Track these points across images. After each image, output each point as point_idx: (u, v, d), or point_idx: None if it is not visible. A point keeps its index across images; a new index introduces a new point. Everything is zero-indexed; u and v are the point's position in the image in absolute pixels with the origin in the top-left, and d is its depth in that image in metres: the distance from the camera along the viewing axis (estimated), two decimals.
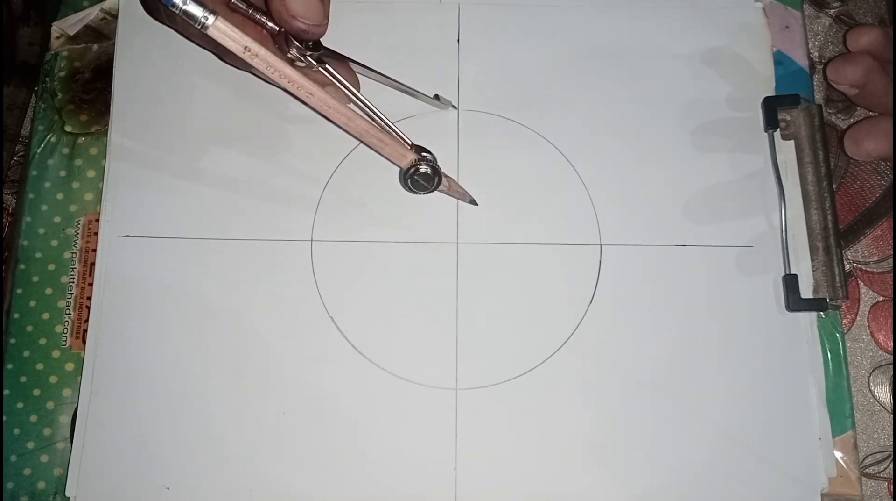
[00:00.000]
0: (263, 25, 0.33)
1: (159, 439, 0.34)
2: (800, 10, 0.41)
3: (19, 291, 0.36)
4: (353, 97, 0.35)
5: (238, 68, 0.37)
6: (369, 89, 0.37)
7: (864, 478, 0.36)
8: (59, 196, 0.38)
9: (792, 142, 0.39)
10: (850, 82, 0.38)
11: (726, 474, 0.35)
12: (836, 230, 0.37)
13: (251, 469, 0.34)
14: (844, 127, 0.40)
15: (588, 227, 0.37)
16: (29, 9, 0.39)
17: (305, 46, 0.33)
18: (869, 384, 0.37)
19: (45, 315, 0.36)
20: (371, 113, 0.35)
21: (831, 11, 0.42)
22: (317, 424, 0.35)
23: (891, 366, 0.37)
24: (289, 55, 0.33)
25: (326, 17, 0.32)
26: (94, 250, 0.37)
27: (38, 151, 0.38)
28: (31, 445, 0.35)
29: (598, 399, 0.35)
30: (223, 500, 0.34)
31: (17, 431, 0.35)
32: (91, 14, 0.40)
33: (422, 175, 0.35)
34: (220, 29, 0.29)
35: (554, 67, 0.40)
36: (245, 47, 0.30)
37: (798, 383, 0.36)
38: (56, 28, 0.40)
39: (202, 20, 0.29)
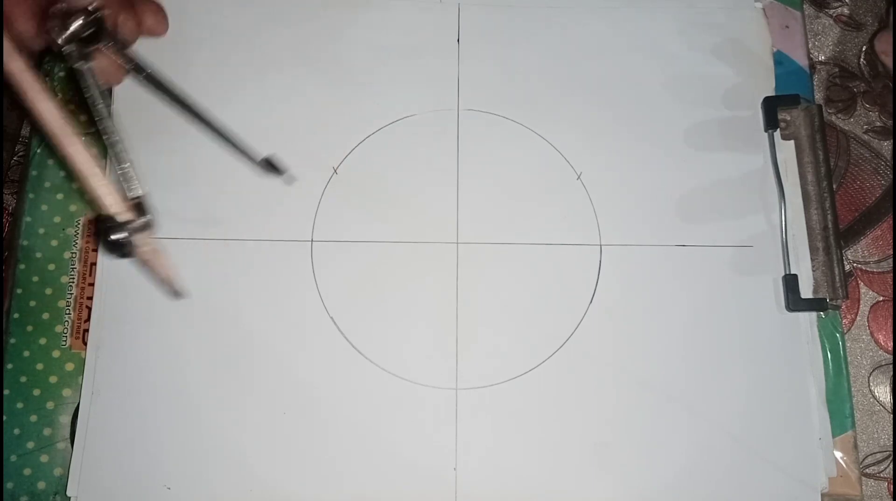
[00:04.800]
0: None
1: (160, 439, 0.34)
2: (800, 10, 0.41)
3: (19, 291, 0.36)
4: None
5: None
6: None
7: (864, 478, 0.36)
8: (59, 196, 0.38)
9: (792, 142, 0.39)
10: None
11: (726, 474, 0.35)
12: (836, 230, 0.37)
13: (251, 469, 0.34)
14: (844, 127, 0.40)
15: (588, 227, 0.37)
16: None
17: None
18: (869, 384, 0.37)
19: (45, 315, 0.36)
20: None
21: (831, 11, 0.42)
22: (317, 424, 0.35)
23: (891, 366, 0.37)
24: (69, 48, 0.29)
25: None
26: (95, 250, 0.37)
27: (38, 151, 0.38)
28: (31, 445, 0.35)
29: (598, 399, 0.35)
30: (223, 500, 0.34)
31: (17, 431, 0.35)
32: None
33: (111, 242, 0.29)
34: None
35: (554, 67, 0.40)
36: None
37: (798, 383, 0.36)
38: None
39: None
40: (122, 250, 0.28)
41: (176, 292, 0.31)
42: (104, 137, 0.29)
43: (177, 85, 0.33)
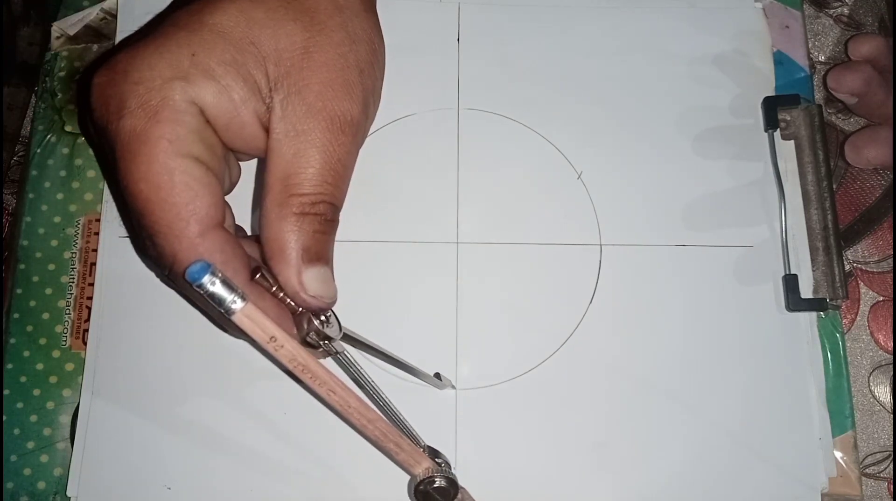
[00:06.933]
0: (283, 300, 0.29)
1: (159, 439, 0.34)
2: (800, 10, 0.41)
3: (19, 291, 0.36)
4: (369, 390, 0.31)
5: (237, 337, 0.34)
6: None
7: (864, 478, 0.36)
8: (59, 196, 0.38)
9: (792, 142, 0.39)
10: (850, 91, 0.38)
11: (726, 474, 0.35)
12: (836, 230, 0.37)
13: (252, 469, 0.34)
14: (844, 127, 0.40)
15: (588, 227, 0.37)
16: (29, 9, 0.39)
17: (322, 326, 0.30)
18: (869, 384, 0.37)
19: (45, 315, 0.36)
20: (386, 408, 0.31)
21: (831, 12, 0.42)
22: (317, 424, 0.35)
23: (891, 366, 0.37)
24: (307, 339, 0.30)
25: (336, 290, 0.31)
26: (95, 250, 0.37)
27: (38, 151, 0.38)
28: (31, 445, 0.35)
29: (598, 399, 0.35)
30: (223, 500, 0.34)
31: (17, 431, 0.35)
32: (91, 14, 0.40)
33: (437, 489, 0.30)
34: (249, 315, 0.24)
35: (554, 66, 0.40)
36: (271, 337, 0.25)
37: (798, 383, 0.36)
38: (56, 28, 0.40)
39: (229, 305, 0.23)
40: (446, 496, 0.30)
41: None
42: (390, 415, 0.31)
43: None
